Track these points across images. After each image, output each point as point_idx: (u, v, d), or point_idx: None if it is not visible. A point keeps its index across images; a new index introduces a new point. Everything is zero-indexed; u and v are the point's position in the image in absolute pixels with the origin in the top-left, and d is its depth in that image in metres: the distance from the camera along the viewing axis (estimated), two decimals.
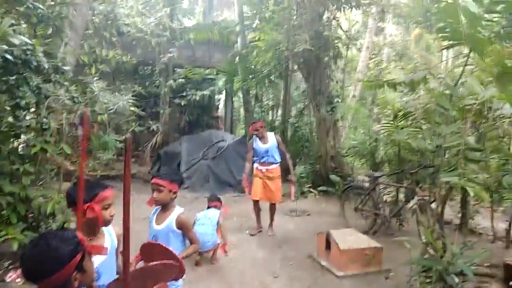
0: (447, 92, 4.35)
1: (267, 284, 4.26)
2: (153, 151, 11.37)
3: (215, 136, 10.48)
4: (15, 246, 3.78)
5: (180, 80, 11.04)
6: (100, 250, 1.39)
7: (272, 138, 5.85)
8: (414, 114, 5.84)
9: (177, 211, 2.69)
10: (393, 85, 4.73)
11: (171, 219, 2.64)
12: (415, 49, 16.13)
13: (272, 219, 6.13)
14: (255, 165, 5.96)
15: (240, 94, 14.83)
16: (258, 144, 5.84)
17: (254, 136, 5.90)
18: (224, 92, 14.99)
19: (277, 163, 5.86)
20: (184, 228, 2.65)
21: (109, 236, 1.98)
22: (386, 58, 16.93)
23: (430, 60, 13.55)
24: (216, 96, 16.16)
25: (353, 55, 15.01)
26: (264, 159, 5.83)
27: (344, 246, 4.62)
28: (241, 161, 9.75)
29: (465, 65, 4.28)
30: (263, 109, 13.06)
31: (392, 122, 6.61)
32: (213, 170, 9.39)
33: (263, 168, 5.84)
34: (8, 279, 3.86)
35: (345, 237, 4.83)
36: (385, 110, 7.38)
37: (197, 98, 11.82)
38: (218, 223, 4.79)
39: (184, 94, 11.86)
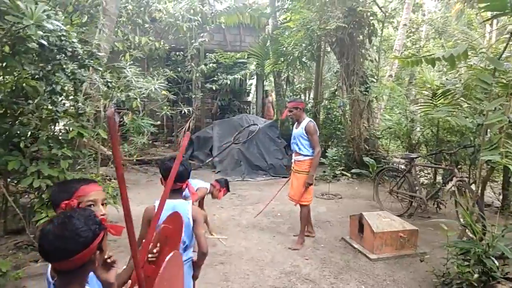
0: (490, 67, 4.08)
1: (298, 266, 4.24)
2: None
3: (246, 120, 10.48)
4: None
5: (211, 65, 11.06)
6: (119, 230, 1.40)
7: (304, 124, 4.83)
8: (454, 92, 5.55)
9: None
10: (432, 61, 4.48)
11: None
12: (456, 26, 15.25)
13: (301, 224, 4.95)
14: None
15: (271, 78, 14.73)
16: (294, 128, 5.07)
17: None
18: (255, 77, 14.94)
19: (304, 155, 4.83)
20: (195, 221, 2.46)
21: None
22: (424, 36, 16.14)
23: (472, 36, 12.79)
24: (248, 82, 16.15)
25: (389, 34, 14.43)
26: (292, 146, 5.03)
27: (378, 229, 4.51)
28: (273, 144, 9.75)
29: (510, 39, 3.98)
30: (295, 92, 12.90)
31: (430, 101, 6.32)
32: (245, 154, 9.42)
33: (293, 158, 5.06)
34: None
35: (379, 219, 4.71)
36: (423, 90, 7.04)
37: (228, 82, 11.83)
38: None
39: (215, 79, 11.90)
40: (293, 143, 4.97)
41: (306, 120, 4.89)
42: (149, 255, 1.76)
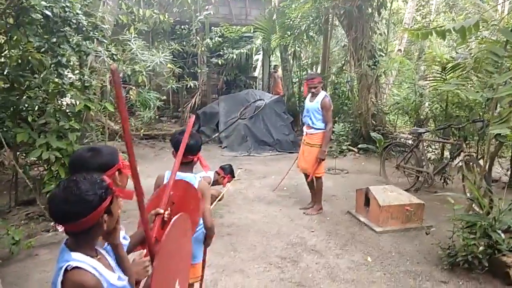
0: (502, 39, 3.97)
1: (304, 238, 4.30)
2: (192, 111, 11.54)
3: (252, 95, 10.41)
4: None
5: (217, 39, 10.89)
6: (129, 194, 1.41)
7: (319, 98, 4.86)
8: (464, 66, 5.45)
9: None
10: (442, 33, 4.36)
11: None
12: None
13: (312, 196, 5.25)
14: None
15: (277, 53, 14.51)
16: (307, 100, 5.12)
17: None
18: (261, 52, 14.71)
19: (317, 128, 4.91)
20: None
21: None
22: (434, 10, 15.72)
23: (484, 9, 12.43)
24: (254, 57, 15.93)
25: (399, 7, 14.06)
26: (304, 119, 5.12)
27: (384, 202, 4.54)
28: (279, 120, 9.72)
29: None
30: (302, 67, 12.73)
31: (440, 75, 6.21)
32: (251, 129, 9.41)
33: (304, 131, 5.16)
34: (60, 229, 4.15)
35: (385, 193, 4.73)
36: (433, 65, 6.91)
37: (234, 57, 11.67)
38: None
39: (221, 53, 11.74)
40: (306, 116, 5.05)
41: (322, 95, 4.92)
42: (165, 216, 1.79)
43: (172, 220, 1.62)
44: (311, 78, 5.03)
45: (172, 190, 1.85)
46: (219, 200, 4.20)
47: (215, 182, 4.75)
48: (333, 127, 8.34)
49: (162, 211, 1.78)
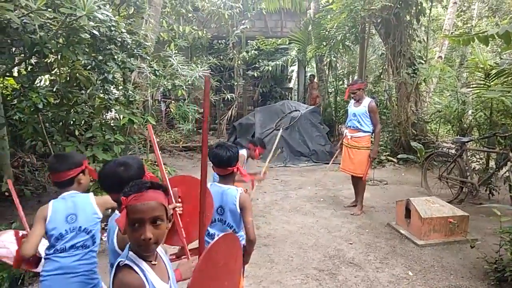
0: None
1: (343, 250, 4.24)
2: (229, 123, 11.76)
3: (288, 106, 10.44)
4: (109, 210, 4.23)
5: (253, 51, 11.10)
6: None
7: (366, 103, 5.21)
8: (510, 72, 5.22)
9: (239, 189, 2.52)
10: (485, 39, 4.22)
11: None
12: None
13: (357, 196, 5.58)
14: (345, 130, 5.61)
15: (313, 63, 14.50)
16: (350, 106, 5.44)
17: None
18: (296, 63, 14.77)
19: (365, 131, 5.23)
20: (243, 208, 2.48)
21: None
22: (476, 15, 15.14)
23: None
24: (289, 68, 16.01)
25: (438, 13, 13.69)
26: (350, 123, 5.37)
27: (426, 214, 4.39)
28: (315, 130, 9.68)
29: None
30: (338, 77, 12.65)
31: (483, 82, 5.97)
32: (287, 140, 9.42)
33: (349, 135, 5.39)
34: (104, 238, 4.33)
35: (427, 205, 4.58)
36: (475, 71, 6.64)
37: (270, 69, 11.81)
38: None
39: (257, 65, 11.92)
40: (353, 120, 5.33)
41: (368, 99, 5.28)
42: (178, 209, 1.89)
43: (219, 236, 1.72)
44: (352, 84, 5.49)
45: (176, 185, 1.94)
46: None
47: (250, 156, 4.89)
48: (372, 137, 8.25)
49: (179, 204, 1.90)
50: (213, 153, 2.49)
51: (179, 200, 1.96)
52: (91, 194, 2.36)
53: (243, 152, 4.86)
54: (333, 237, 4.61)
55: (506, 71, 5.38)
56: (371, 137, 5.40)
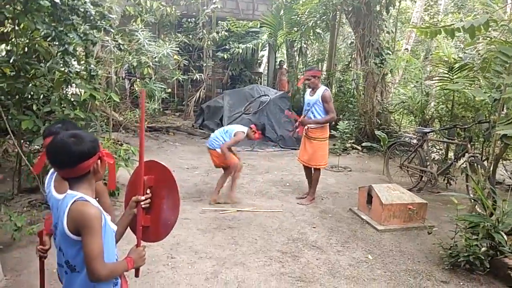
0: (511, 39, 3.93)
1: (306, 234, 4.30)
2: (196, 105, 11.56)
3: (257, 91, 10.37)
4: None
5: (223, 33, 10.86)
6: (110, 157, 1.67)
7: (320, 92, 5.01)
8: (472, 66, 5.40)
9: None
10: (451, 32, 4.32)
11: None
12: None
13: (310, 187, 5.38)
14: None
15: (283, 49, 14.46)
16: (306, 95, 5.27)
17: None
18: (267, 48, 14.67)
19: None
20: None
21: None
22: (443, 10, 15.61)
23: (494, 10, 12.33)
24: (260, 52, 15.88)
25: (407, 6, 13.97)
26: (305, 113, 5.16)
27: (387, 200, 4.52)
28: (283, 116, 9.68)
29: None
30: (308, 64, 12.68)
31: (447, 75, 6.16)
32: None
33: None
34: None
35: (388, 191, 4.71)
36: (439, 64, 6.84)
37: (240, 51, 11.64)
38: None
39: (227, 47, 11.71)
40: (307, 110, 5.14)
41: (322, 89, 5.08)
42: (142, 203, 1.77)
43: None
44: (307, 69, 5.31)
45: (146, 173, 1.82)
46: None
47: (248, 136, 4.97)
48: (338, 125, 8.36)
49: (142, 198, 1.77)
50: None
51: (148, 192, 1.82)
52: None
53: (243, 129, 5.10)
54: (297, 221, 4.66)
55: (469, 65, 5.57)
56: (329, 129, 5.25)
